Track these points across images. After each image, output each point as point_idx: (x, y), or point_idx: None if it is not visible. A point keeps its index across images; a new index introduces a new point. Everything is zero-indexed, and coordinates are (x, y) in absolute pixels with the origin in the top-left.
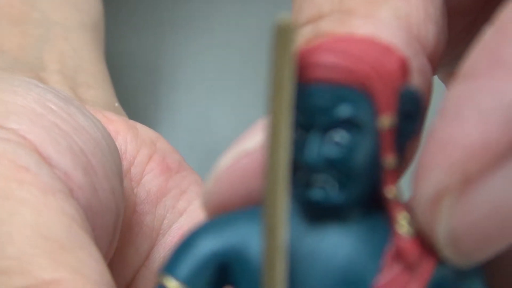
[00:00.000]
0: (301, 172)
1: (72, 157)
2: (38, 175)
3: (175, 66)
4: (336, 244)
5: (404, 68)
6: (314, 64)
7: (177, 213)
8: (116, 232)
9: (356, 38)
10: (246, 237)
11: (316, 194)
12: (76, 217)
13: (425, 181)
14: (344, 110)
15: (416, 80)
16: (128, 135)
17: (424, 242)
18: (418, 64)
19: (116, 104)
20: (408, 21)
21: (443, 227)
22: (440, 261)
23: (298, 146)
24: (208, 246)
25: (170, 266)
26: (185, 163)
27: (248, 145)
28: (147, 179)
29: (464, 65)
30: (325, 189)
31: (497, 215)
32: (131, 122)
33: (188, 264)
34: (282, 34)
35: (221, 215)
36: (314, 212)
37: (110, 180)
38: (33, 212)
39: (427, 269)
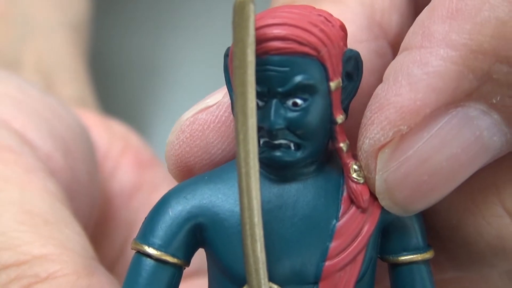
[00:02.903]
0: (265, 137)
1: (52, 140)
2: (21, 155)
3: (169, 66)
4: (299, 196)
5: (343, 34)
6: (269, 38)
7: (151, 206)
8: (91, 217)
9: (297, 7)
10: (214, 198)
11: (278, 153)
12: (58, 195)
13: (365, 137)
14: (300, 77)
15: (374, 61)
16: (101, 130)
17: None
18: (377, 47)
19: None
20: (372, 8)
21: (379, 179)
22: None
23: (261, 114)
24: (179, 210)
25: (146, 234)
26: (157, 158)
27: (208, 102)
28: (121, 173)
29: (404, 40)
30: (286, 149)
31: (425, 168)
32: (104, 118)
33: (163, 230)
34: (241, 9)
35: (186, 180)
36: (278, 170)
37: (87, 165)
38: (17, 190)
39: (375, 211)
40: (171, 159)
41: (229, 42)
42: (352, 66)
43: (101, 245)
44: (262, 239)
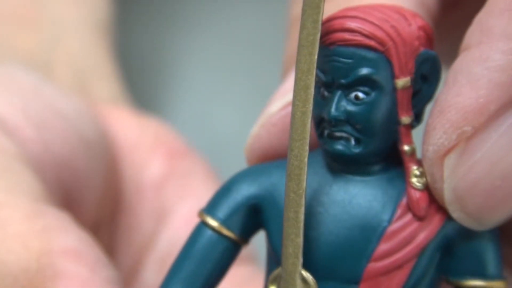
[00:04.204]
0: (326, 127)
1: (24, 114)
2: None
3: (179, 64)
4: (356, 193)
5: (422, 34)
6: (338, 29)
7: (182, 196)
8: (88, 200)
9: (378, 5)
10: (278, 184)
11: (338, 146)
12: (8, 149)
13: (428, 144)
14: (364, 70)
15: None
16: (131, 125)
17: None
18: None
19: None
20: None
21: (447, 188)
22: (451, 216)
23: (323, 104)
24: (244, 191)
25: (211, 207)
26: (190, 148)
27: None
28: (151, 165)
29: (463, 41)
30: (346, 142)
31: (496, 172)
32: (136, 113)
33: (225, 205)
34: None
35: (257, 164)
36: (337, 163)
37: (76, 145)
38: None
39: (436, 223)
40: (256, 151)
41: (241, 41)
42: (429, 68)
43: (130, 234)
44: (302, 223)
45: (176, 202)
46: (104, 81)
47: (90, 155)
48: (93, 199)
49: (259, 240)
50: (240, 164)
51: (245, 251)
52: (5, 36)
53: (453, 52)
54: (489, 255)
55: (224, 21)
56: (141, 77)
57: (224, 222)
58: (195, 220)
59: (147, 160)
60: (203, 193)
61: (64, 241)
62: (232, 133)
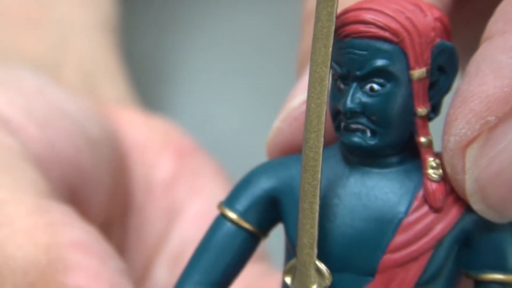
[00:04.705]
0: (342, 119)
1: (27, 113)
2: None
3: (182, 64)
4: (373, 186)
5: (439, 25)
6: (352, 21)
7: (192, 194)
8: (90, 190)
9: None
10: (296, 177)
11: (355, 138)
12: (12, 147)
13: (450, 134)
14: (379, 62)
15: None
16: (141, 122)
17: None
18: None
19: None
20: None
21: (469, 178)
22: (469, 208)
23: (340, 96)
24: (263, 184)
25: (230, 200)
26: (199, 146)
27: None
28: (161, 163)
29: (485, 31)
30: (362, 134)
31: None
32: (145, 114)
33: (243, 197)
34: None
35: (276, 158)
36: (353, 155)
37: (73, 139)
38: None
39: (453, 215)
40: (277, 145)
41: (243, 41)
42: (445, 59)
43: (142, 233)
44: (317, 214)
45: (186, 201)
46: (111, 81)
47: (96, 155)
48: (101, 198)
49: (273, 237)
50: (242, 163)
51: (258, 249)
52: (11, 38)
53: (463, 47)
54: (510, 248)
55: (228, 22)
56: (144, 77)
57: (242, 214)
58: (205, 218)
59: (156, 159)
60: (213, 191)
61: (71, 234)
62: (235, 132)
